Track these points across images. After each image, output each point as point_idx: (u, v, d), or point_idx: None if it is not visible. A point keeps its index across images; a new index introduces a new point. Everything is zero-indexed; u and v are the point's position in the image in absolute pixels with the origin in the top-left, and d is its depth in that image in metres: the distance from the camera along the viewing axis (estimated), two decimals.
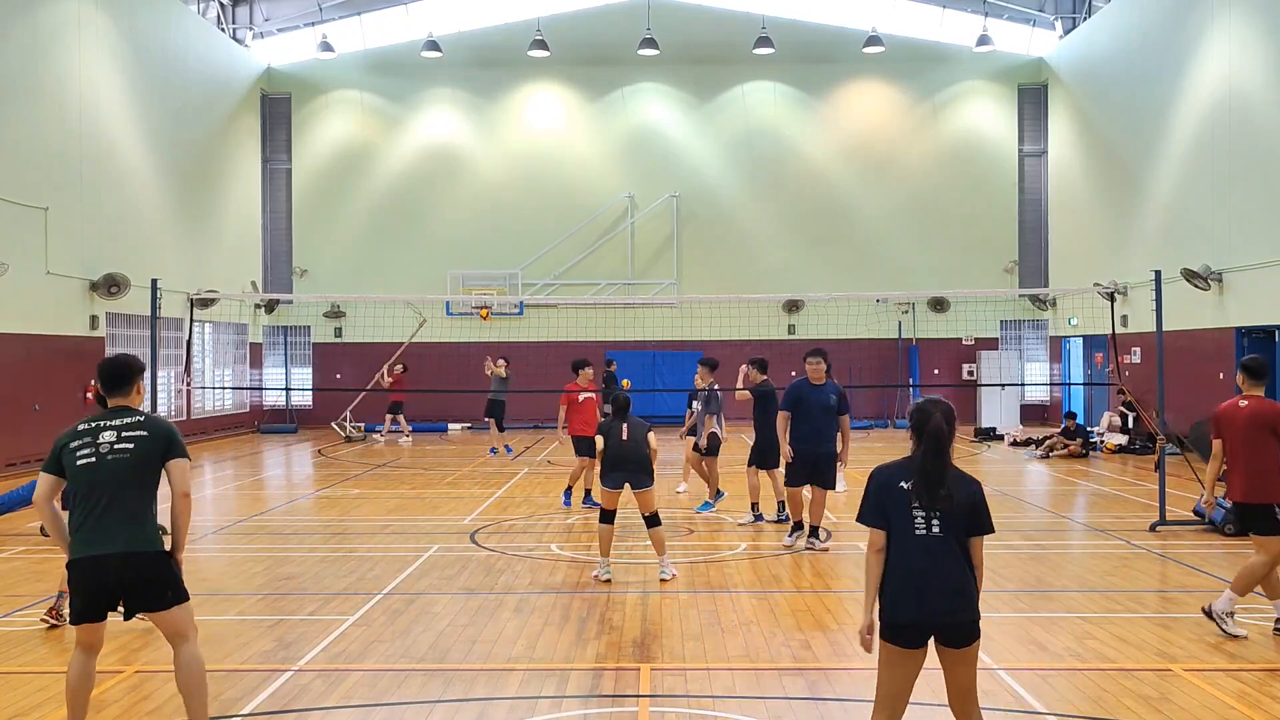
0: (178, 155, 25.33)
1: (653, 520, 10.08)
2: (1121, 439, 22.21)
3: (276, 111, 30.68)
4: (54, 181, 20.13)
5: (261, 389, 29.49)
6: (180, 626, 5.64)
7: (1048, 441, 21.78)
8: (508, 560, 10.96)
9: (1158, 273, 13.91)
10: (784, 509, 12.78)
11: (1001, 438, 25.50)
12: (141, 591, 5.57)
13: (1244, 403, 8.05)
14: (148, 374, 10.31)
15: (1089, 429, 23.25)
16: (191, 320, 15.47)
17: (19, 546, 11.89)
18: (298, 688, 6.86)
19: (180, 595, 5.67)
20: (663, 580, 9.84)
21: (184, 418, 25.18)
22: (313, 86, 30.60)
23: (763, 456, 12.98)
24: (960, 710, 4.88)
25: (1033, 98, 30.49)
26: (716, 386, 14.27)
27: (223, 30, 28.39)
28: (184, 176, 25.64)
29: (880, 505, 4.84)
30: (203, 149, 26.90)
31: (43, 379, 19.42)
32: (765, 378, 13.35)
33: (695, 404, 14.52)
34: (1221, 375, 20.67)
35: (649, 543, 11.80)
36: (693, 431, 14.60)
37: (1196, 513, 12.56)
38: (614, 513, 10.06)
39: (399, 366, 25.27)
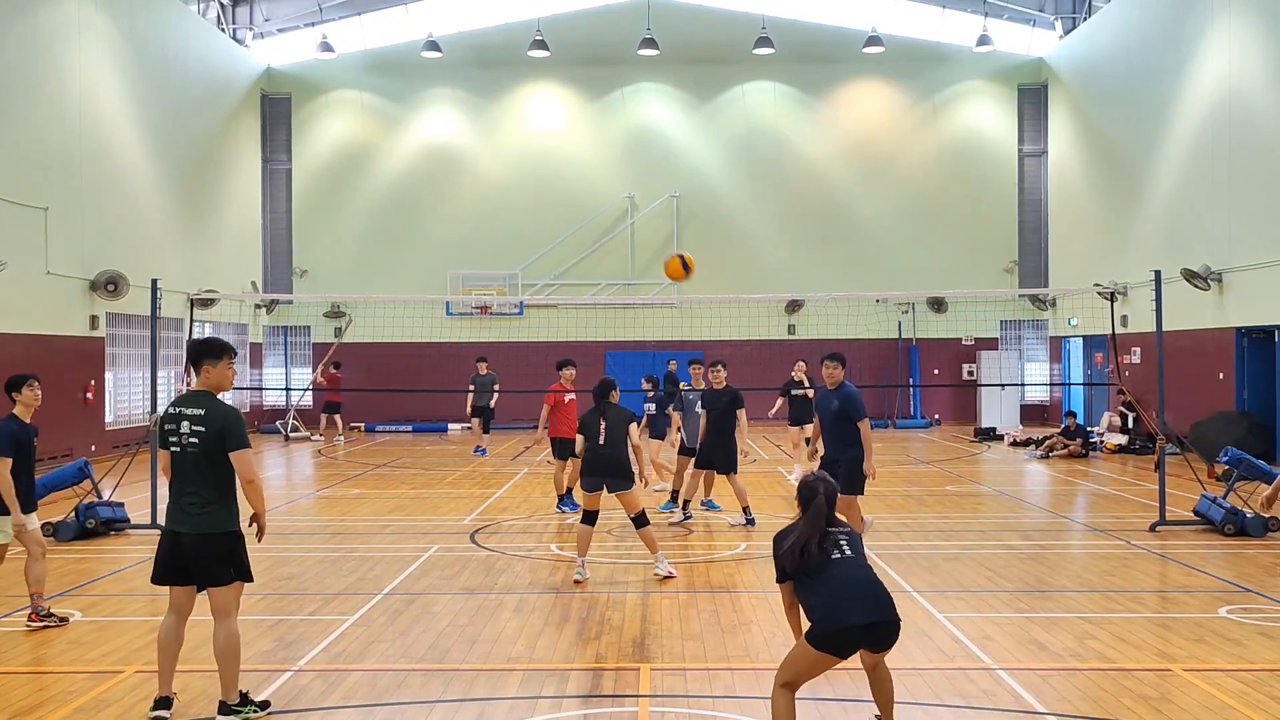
0: (178, 155, 25.33)
1: (639, 520, 9.99)
2: (1121, 439, 22.21)
3: (276, 111, 30.69)
4: (54, 181, 20.13)
5: (261, 389, 29.49)
6: (225, 603, 6.20)
7: (1048, 442, 21.78)
8: (508, 560, 10.96)
9: (1158, 273, 13.91)
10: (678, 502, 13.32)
11: (1001, 438, 25.50)
12: (205, 568, 6.20)
13: None
14: (155, 373, 10.39)
15: (1089, 429, 23.26)
16: (191, 320, 15.45)
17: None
18: (298, 688, 6.86)
19: (241, 574, 6.29)
20: (660, 577, 9.82)
21: None
22: (313, 86, 30.60)
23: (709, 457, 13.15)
24: (872, 664, 5.68)
25: (1033, 98, 30.50)
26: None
27: (223, 30, 28.39)
28: (184, 176, 25.64)
29: (791, 563, 5.54)
30: (203, 149, 26.91)
31: (43, 379, 19.31)
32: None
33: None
34: (1221, 375, 20.68)
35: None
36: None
37: (1196, 513, 12.57)
38: (595, 514, 10.02)
39: (333, 366, 25.73)
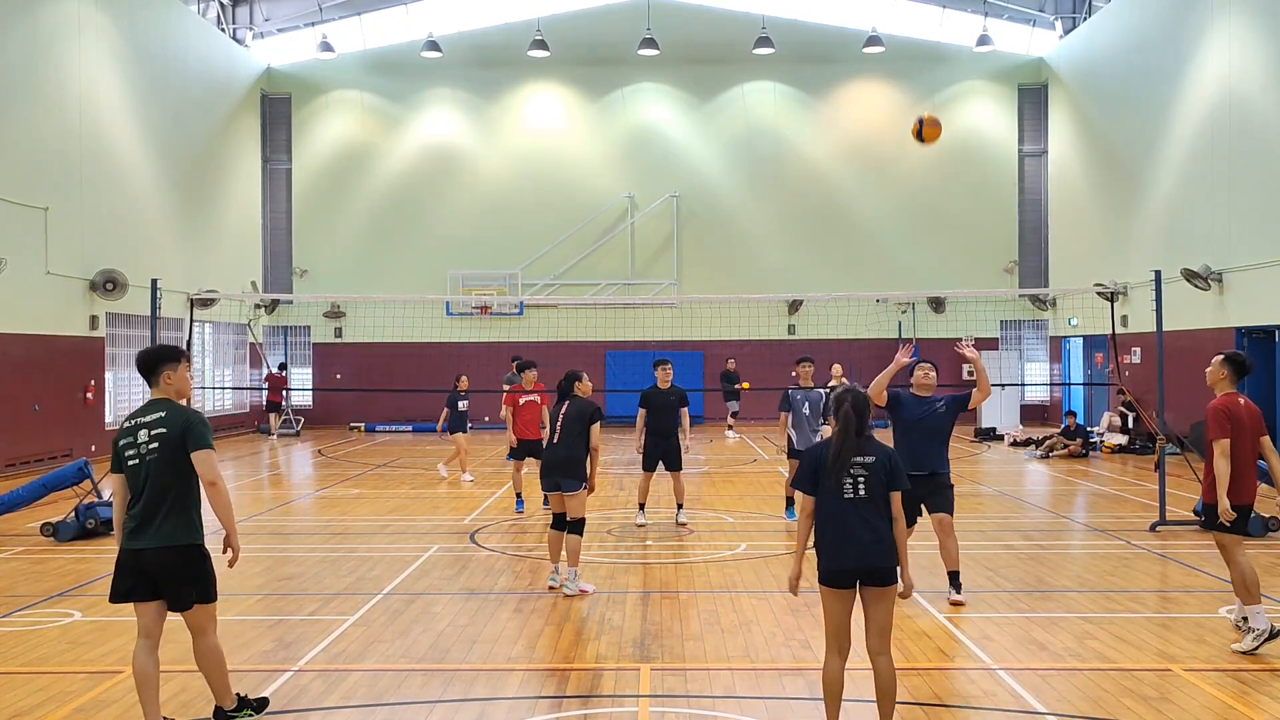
0: (178, 155, 25.33)
1: (573, 526, 9.37)
2: (1121, 439, 22.21)
3: (276, 111, 30.68)
4: (54, 181, 20.13)
5: (262, 389, 29.48)
6: (199, 621, 5.95)
7: (1047, 442, 21.78)
8: (508, 560, 10.96)
9: (1158, 273, 13.91)
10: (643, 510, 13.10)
11: (1001, 438, 25.50)
12: (171, 587, 5.88)
13: (1242, 400, 7.91)
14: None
15: (1089, 429, 23.26)
16: (191, 320, 15.45)
17: (19, 546, 11.89)
18: (298, 688, 6.86)
19: (206, 595, 5.96)
20: (566, 595, 9.19)
21: None
22: (313, 86, 30.60)
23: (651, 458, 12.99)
24: (875, 647, 5.69)
25: (1033, 98, 30.49)
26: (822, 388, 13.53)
27: (223, 30, 28.39)
28: (184, 176, 25.64)
29: (814, 476, 5.71)
30: (203, 149, 26.90)
31: (43, 379, 19.43)
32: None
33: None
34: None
35: (648, 543, 11.83)
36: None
37: (1196, 513, 12.56)
38: (563, 516, 9.51)
39: (276, 366, 27.00)
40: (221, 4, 28.51)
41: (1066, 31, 29.13)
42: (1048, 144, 30.21)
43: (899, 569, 5.70)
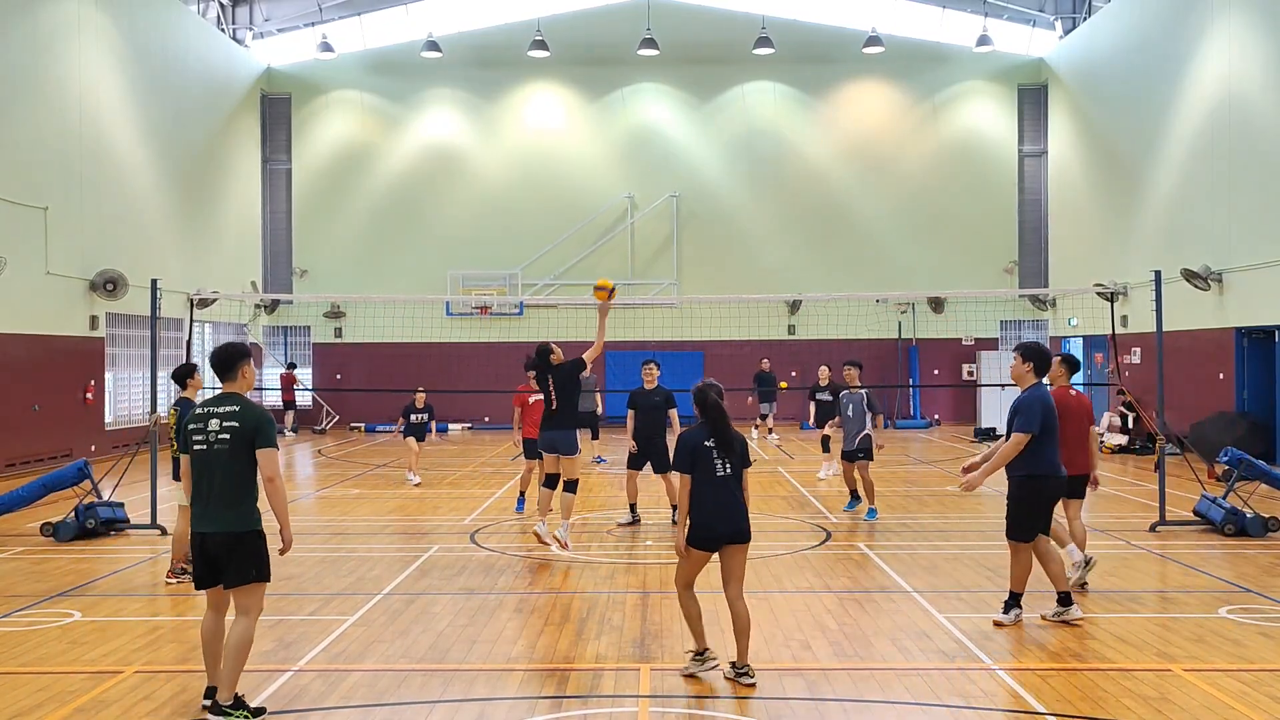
0: (178, 155, 25.33)
1: (568, 486, 10.69)
2: (1121, 439, 22.21)
3: (276, 111, 30.68)
4: (54, 181, 20.13)
5: (261, 389, 29.47)
6: (246, 603, 6.26)
7: None
8: (508, 560, 10.96)
9: (1158, 273, 13.90)
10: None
11: (1001, 438, 25.46)
12: (231, 568, 6.24)
13: (1073, 392, 9.61)
14: (155, 373, 10.38)
15: None
16: (191, 320, 15.43)
17: (19, 546, 11.89)
18: (298, 688, 6.86)
19: (262, 574, 6.32)
20: (541, 539, 10.62)
21: None
22: (313, 86, 30.60)
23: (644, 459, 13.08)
24: (734, 594, 6.97)
25: (1033, 98, 30.49)
26: (863, 388, 13.92)
27: (222, 30, 28.39)
28: (184, 176, 25.64)
29: (691, 458, 6.91)
30: (203, 149, 26.90)
31: (43, 379, 19.42)
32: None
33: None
34: (1221, 375, 20.67)
35: (649, 543, 11.85)
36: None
37: (1196, 513, 12.57)
38: (556, 476, 10.73)
39: (286, 365, 27.85)
40: (221, 4, 28.51)
41: (1066, 32, 29.13)
42: (1048, 144, 30.21)
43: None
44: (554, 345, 10.84)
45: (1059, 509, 9.04)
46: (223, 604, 6.36)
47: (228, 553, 6.21)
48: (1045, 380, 8.52)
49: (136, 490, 15.05)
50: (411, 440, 17.22)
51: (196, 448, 6.26)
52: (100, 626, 8.39)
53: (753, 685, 6.74)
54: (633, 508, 13.10)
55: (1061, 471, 8.30)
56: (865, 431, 13.54)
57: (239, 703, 6.20)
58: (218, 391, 6.55)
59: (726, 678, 6.86)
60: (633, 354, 28.31)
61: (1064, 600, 8.30)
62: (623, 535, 12.35)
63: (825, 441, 17.72)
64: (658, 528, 12.77)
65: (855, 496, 14.02)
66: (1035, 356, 8.36)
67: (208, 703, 6.25)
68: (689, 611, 7.00)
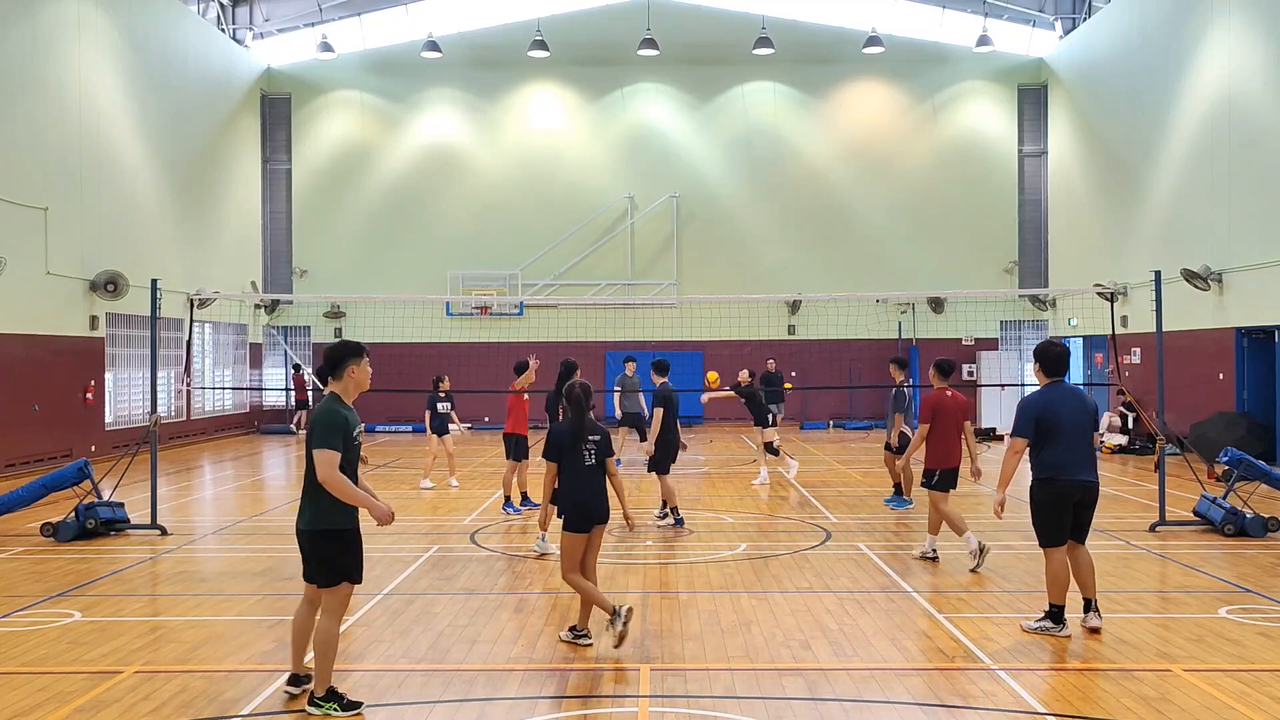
0: (177, 155, 25.33)
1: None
2: (1121, 439, 22.21)
3: (276, 112, 30.68)
4: (54, 181, 20.13)
5: (261, 389, 29.50)
6: (324, 602, 6.40)
7: None
8: (508, 560, 10.96)
9: (1158, 273, 13.90)
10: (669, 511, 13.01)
11: (1001, 438, 25.50)
12: (306, 563, 6.45)
13: (949, 393, 10.72)
14: (155, 373, 10.36)
15: None
16: (191, 320, 15.43)
17: (19, 546, 11.89)
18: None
19: (327, 578, 6.35)
20: (536, 554, 10.90)
21: (183, 418, 25.20)
22: (313, 87, 30.60)
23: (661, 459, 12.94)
24: (592, 564, 7.82)
25: (1033, 98, 30.49)
26: (906, 385, 14.62)
27: (222, 30, 28.39)
28: (184, 176, 25.64)
29: (559, 448, 7.72)
30: (202, 149, 26.90)
31: (43, 379, 19.42)
32: (664, 380, 13.38)
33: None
34: (1221, 375, 20.67)
35: (649, 543, 11.85)
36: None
37: (1196, 513, 12.57)
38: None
39: (293, 366, 28.28)
40: (221, 4, 28.51)
41: (1066, 32, 29.13)
42: (1047, 144, 30.21)
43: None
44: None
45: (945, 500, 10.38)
46: (314, 598, 6.53)
47: (304, 549, 6.42)
48: (1057, 379, 8.07)
49: (136, 490, 15.05)
50: (446, 439, 16.49)
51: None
52: (100, 626, 8.39)
53: (590, 645, 7.64)
54: (674, 509, 12.94)
55: (1066, 473, 7.81)
56: (900, 428, 14.24)
57: (331, 695, 6.34)
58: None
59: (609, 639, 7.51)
60: (633, 354, 28.31)
61: (1055, 616, 7.92)
62: (622, 535, 12.35)
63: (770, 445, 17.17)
64: (658, 528, 12.76)
65: (896, 490, 14.41)
66: (1040, 356, 8.15)
67: (291, 688, 6.59)
68: (581, 588, 7.67)
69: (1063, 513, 7.89)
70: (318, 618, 6.44)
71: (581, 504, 7.63)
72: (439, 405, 16.53)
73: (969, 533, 10.29)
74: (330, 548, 6.34)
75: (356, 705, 6.39)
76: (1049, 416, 7.86)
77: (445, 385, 16.66)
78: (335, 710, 6.30)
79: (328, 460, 6.20)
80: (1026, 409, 7.96)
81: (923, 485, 10.75)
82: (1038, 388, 8.17)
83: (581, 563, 7.72)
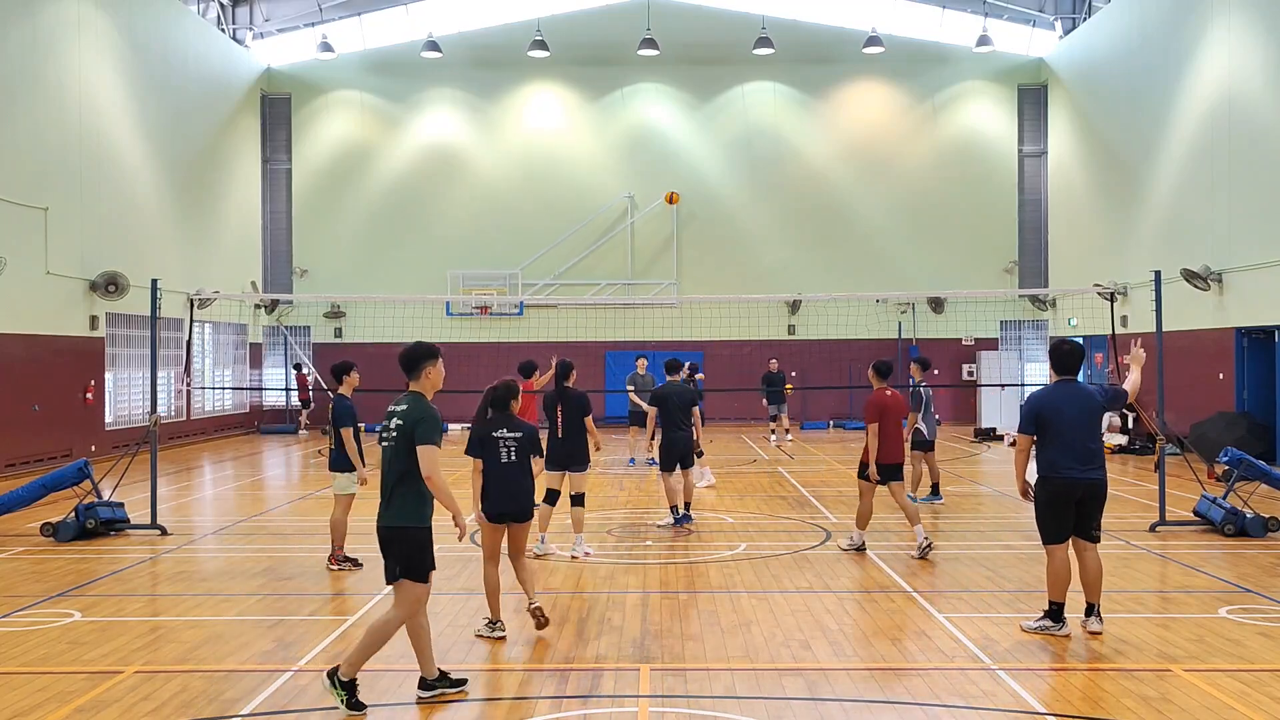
0: (177, 155, 25.33)
1: (576, 500, 11.07)
2: (1121, 439, 22.20)
3: (276, 112, 30.68)
4: (54, 181, 20.13)
5: (261, 389, 29.49)
6: (397, 598, 6.46)
7: None
8: (508, 561, 10.94)
9: (1158, 273, 13.90)
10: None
11: (1001, 438, 25.50)
12: (385, 560, 6.49)
13: (889, 392, 11.29)
14: (155, 373, 10.35)
15: None
16: (191, 320, 15.44)
17: (19, 546, 11.89)
18: (297, 688, 6.86)
19: (410, 573, 6.41)
20: (572, 558, 10.82)
21: (183, 418, 25.20)
22: (313, 87, 30.60)
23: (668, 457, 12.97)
24: (514, 553, 8.17)
25: (1033, 98, 30.49)
26: (925, 385, 14.73)
27: (222, 30, 28.39)
28: (184, 176, 25.64)
29: (479, 443, 8.09)
30: (202, 149, 26.90)
31: (43, 379, 19.42)
32: (673, 378, 13.48)
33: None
34: (1221, 375, 20.68)
35: (648, 543, 11.86)
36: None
37: (1196, 513, 12.57)
38: (555, 493, 11.01)
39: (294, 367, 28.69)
40: (221, 4, 28.51)
41: (1066, 32, 29.13)
42: (1047, 144, 30.21)
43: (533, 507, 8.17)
44: (554, 359, 11.43)
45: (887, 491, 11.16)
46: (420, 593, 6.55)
47: (384, 546, 6.45)
48: (1072, 377, 8.05)
49: (136, 490, 15.05)
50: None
51: (382, 445, 6.54)
52: (100, 626, 8.39)
53: (503, 638, 7.89)
54: (679, 507, 12.92)
55: (1065, 471, 7.77)
56: (915, 426, 14.42)
57: (349, 685, 6.35)
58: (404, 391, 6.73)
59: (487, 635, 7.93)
60: (633, 354, 28.32)
61: (1054, 614, 7.94)
62: (622, 536, 12.35)
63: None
64: (659, 528, 12.75)
65: (933, 489, 14.79)
66: (1052, 354, 8.19)
67: (423, 693, 6.57)
68: (489, 584, 7.98)
69: (1062, 510, 7.85)
70: (389, 610, 6.48)
71: (495, 498, 7.97)
72: None
73: (863, 532, 11.30)
74: (415, 541, 6.42)
75: (361, 707, 6.38)
76: (1049, 414, 7.88)
77: None
78: (342, 697, 6.32)
79: (436, 457, 6.36)
80: (1028, 406, 8.11)
81: (860, 477, 11.35)
82: (1046, 385, 8.28)
83: (514, 559, 8.12)
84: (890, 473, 11.10)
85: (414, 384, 6.65)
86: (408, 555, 6.42)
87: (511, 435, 8.07)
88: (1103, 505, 7.99)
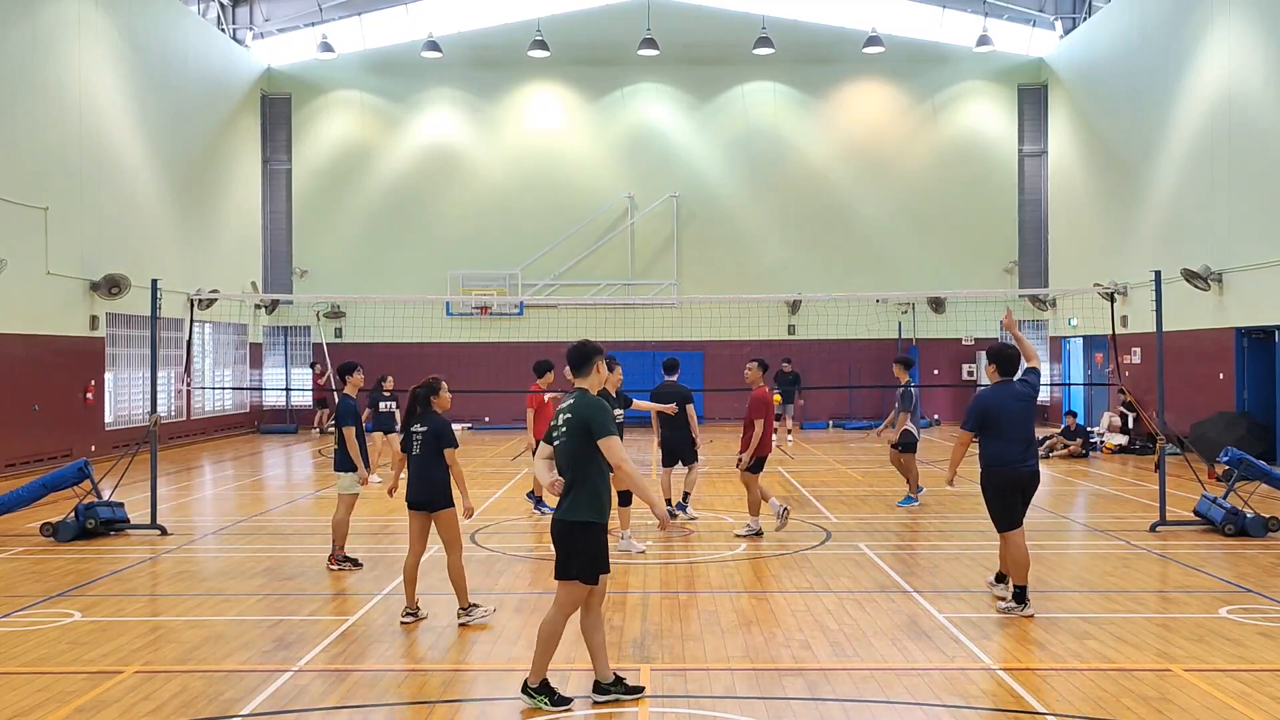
0: (178, 155, 25.33)
1: (622, 499, 11.31)
2: (1121, 439, 22.20)
3: (276, 112, 30.68)
4: (54, 181, 20.12)
5: (261, 389, 29.49)
6: (560, 591, 6.50)
7: (1048, 441, 21.75)
8: (508, 560, 10.96)
9: (1158, 273, 13.90)
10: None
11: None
12: (557, 554, 6.51)
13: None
14: (155, 373, 10.35)
15: (1089, 429, 23.24)
16: (191, 320, 15.44)
17: (19, 546, 11.89)
18: (297, 688, 6.86)
19: (581, 572, 6.41)
20: (633, 552, 11.09)
21: (183, 418, 25.20)
22: (313, 87, 30.60)
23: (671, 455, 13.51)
24: (445, 553, 8.55)
25: (1033, 98, 30.49)
26: (913, 385, 14.79)
27: (223, 30, 28.39)
28: (184, 176, 25.63)
29: (403, 439, 8.67)
30: (202, 149, 26.90)
31: (43, 379, 19.42)
32: (670, 378, 13.61)
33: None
34: (1221, 375, 20.68)
35: (649, 543, 11.86)
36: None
37: (1197, 513, 12.57)
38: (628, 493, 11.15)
39: (317, 366, 28.61)
40: (221, 4, 28.51)
41: (1066, 32, 29.13)
42: (1047, 144, 30.21)
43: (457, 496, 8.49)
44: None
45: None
46: (593, 596, 6.55)
47: (556, 539, 6.50)
48: (1010, 378, 8.82)
49: (136, 490, 15.05)
50: (392, 437, 16.81)
51: (556, 444, 6.59)
52: (100, 626, 8.39)
53: (412, 622, 8.39)
54: (672, 500, 13.26)
55: (1012, 463, 8.50)
56: (905, 426, 14.52)
57: (544, 687, 6.44)
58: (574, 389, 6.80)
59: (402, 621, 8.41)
60: (633, 354, 28.32)
61: (1018, 596, 8.57)
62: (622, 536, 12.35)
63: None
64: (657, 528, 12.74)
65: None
66: (996, 358, 8.90)
67: (598, 696, 6.56)
68: (405, 572, 8.57)
69: (1011, 498, 8.57)
70: (550, 611, 6.52)
71: (409, 488, 8.55)
72: (381, 404, 17.35)
73: (771, 502, 12.10)
74: (584, 537, 6.43)
75: (567, 701, 6.48)
76: (995, 412, 8.60)
77: (389, 385, 17.58)
78: (545, 704, 6.38)
79: (618, 446, 6.39)
80: (976, 406, 8.73)
81: (749, 470, 12.08)
82: (990, 386, 8.92)
83: (447, 553, 8.53)
84: (761, 464, 12.23)
85: (580, 380, 6.67)
86: (579, 551, 6.42)
87: (418, 429, 8.58)
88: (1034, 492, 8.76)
